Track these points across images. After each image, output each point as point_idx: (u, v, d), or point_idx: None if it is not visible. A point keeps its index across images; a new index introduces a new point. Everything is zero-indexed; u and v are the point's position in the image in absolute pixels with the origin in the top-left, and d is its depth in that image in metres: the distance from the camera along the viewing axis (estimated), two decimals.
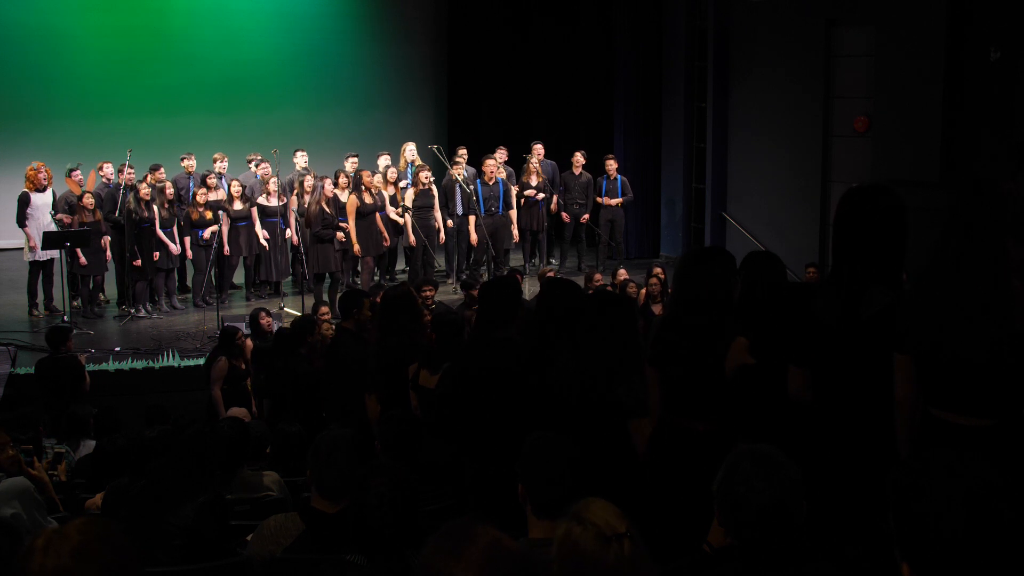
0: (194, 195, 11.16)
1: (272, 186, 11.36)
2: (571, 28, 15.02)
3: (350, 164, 11.80)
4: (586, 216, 12.78)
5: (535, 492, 2.90)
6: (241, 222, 11.27)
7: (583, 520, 2.07)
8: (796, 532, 2.33)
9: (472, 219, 11.86)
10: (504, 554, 1.77)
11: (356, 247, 11.05)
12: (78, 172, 11.13)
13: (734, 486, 2.33)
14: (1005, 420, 2.88)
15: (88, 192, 10.79)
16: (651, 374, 3.75)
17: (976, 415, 2.91)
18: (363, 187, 11.13)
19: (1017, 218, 2.95)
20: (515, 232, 12.15)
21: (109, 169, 11.17)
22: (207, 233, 11.07)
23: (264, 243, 11.35)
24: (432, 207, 11.68)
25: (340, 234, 10.96)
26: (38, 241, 10.35)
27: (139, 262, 10.68)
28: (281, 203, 11.40)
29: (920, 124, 10.65)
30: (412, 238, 11.52)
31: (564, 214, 12.81)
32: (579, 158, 12.80)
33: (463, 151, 12.43)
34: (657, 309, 8.87)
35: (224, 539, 3.70)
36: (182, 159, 11.83)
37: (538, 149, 12.78)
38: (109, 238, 10.87)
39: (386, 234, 11.43)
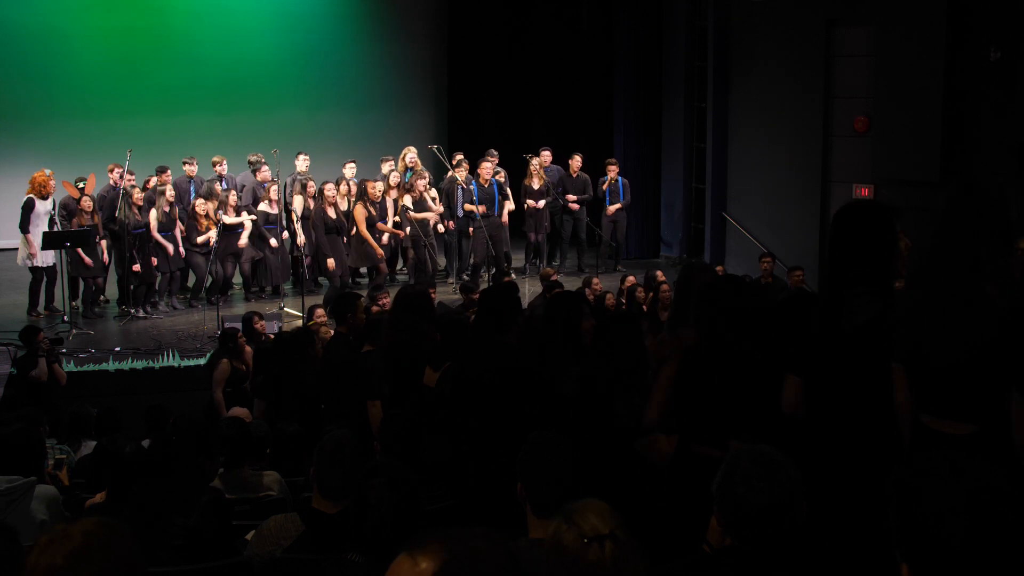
0: (194, 207, 11.12)
1: (273, 193, 11.34)
2: (571, 28, 15.02)
3: (349, 170, 11.80)
4: (576, 204, 12.75)
5: (534, 491, 2.90)
6: (236, 230, 11.29)
7: (571, 520, 2.12)
8: (796, 532, 2.33)
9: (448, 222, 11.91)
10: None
11: (379, 251, 11.15)
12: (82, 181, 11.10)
13: (734, 486, 2.33)
14: (987, 426, 2.91)
15: (87, 195, 10.74)
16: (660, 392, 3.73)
17: (958, 420, 2.94)
18: (367, 198, 11.17)
19: (997, 220, 2.99)
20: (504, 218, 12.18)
21: (118, 174, 11.10)
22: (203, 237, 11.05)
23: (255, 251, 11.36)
24: (427, 211, 11.65)
25: (331, 262, 10.97)
26: (38, 248, 10.36)
27: (137, 267, 10.67)
28: (279, 210, 11.37)
29: (920, 124, 10.65)
30: (403, 232, 11.54)
31: (568, 196, 12.77)
32: (577, 160, 12.83)
33: (460, 156, 12.45)
34: (665, 316, 8.87)
35: (226, 539, 3.70)
36: (184, 163, 11.81)
37: (545, 155, 12.80)
38: (107, 242, 10.86)
39: (379, 247, 11.41)
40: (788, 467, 2.34)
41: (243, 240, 11.19)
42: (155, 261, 10.84)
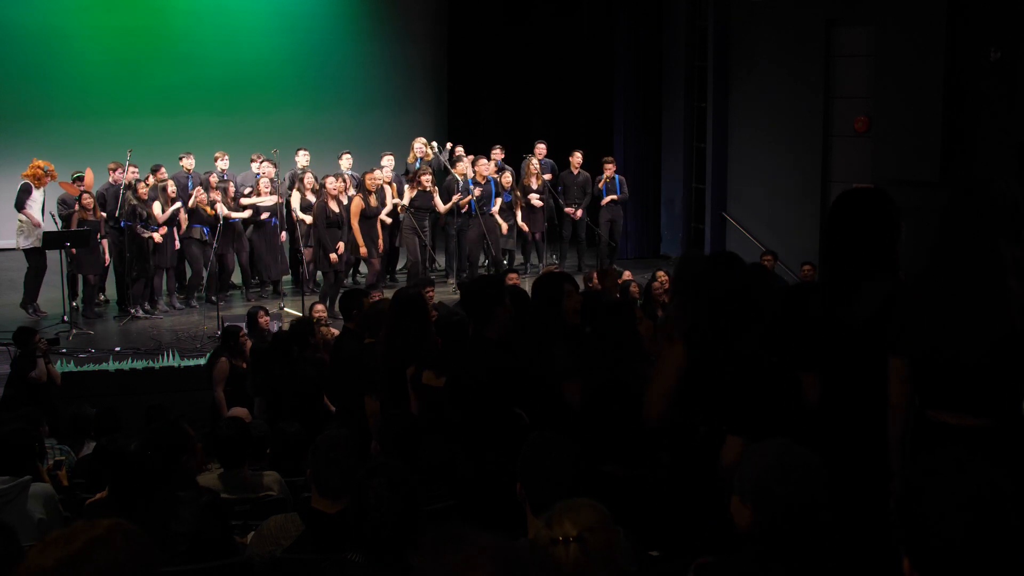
0: (193, 196, 11.10)
1: (263, 186, 11.32)
2: (571, 28, 15.02)
3: (345, 162, 11.80)
4: (579, 212, 12.74)
5: (533, 491, 2.90)
6: (231, 220, 11.29)
7: (549, 520, 2.19)
8: (823, 526, 2.34)
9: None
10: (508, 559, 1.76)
11: (363, 249, 11.07)
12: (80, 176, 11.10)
13: (772, 483, 2.34)
14: (1003, 419, 2.89)
15: (87, 192, 10.73)
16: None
17: (974, 414, 2.92)
18: (368, 190, 11.16)
19: (1009, 218, 2.97)
20: (504, 225, 12.02)
21: (120, 171, 11.09)
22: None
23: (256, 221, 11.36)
24: (429, 209, 11.65)
25: (333, 256, 10.93)
26: (39, 219, 10.39)
27: (160, 233, 10.63)
28: (278, 202, 11.35)
29: (920, 124, 10.65)
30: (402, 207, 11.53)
31: (568, 209, 12.73)
32: (578, 157, 12.79)
33: (460, 149, 12.42)
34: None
35: (226, 539, 3.69)
36: (180, 158, 11.81)
37: (540, 148, 12.74)
38: (107, 240, 10.84)
39: (380, 239, 11.39)
40: (817, 462, 2.37)
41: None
42: (156, 239, 10.78)
